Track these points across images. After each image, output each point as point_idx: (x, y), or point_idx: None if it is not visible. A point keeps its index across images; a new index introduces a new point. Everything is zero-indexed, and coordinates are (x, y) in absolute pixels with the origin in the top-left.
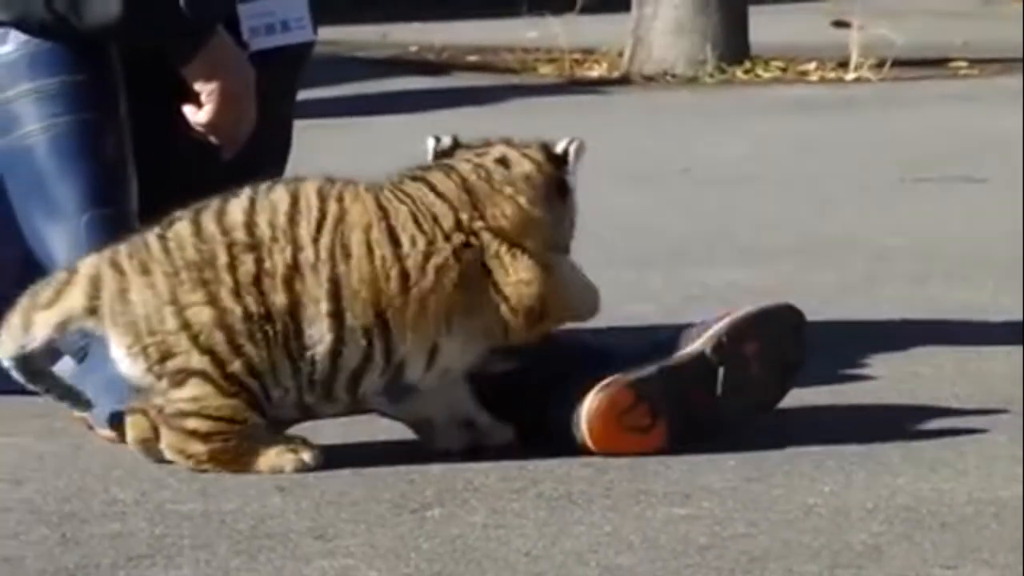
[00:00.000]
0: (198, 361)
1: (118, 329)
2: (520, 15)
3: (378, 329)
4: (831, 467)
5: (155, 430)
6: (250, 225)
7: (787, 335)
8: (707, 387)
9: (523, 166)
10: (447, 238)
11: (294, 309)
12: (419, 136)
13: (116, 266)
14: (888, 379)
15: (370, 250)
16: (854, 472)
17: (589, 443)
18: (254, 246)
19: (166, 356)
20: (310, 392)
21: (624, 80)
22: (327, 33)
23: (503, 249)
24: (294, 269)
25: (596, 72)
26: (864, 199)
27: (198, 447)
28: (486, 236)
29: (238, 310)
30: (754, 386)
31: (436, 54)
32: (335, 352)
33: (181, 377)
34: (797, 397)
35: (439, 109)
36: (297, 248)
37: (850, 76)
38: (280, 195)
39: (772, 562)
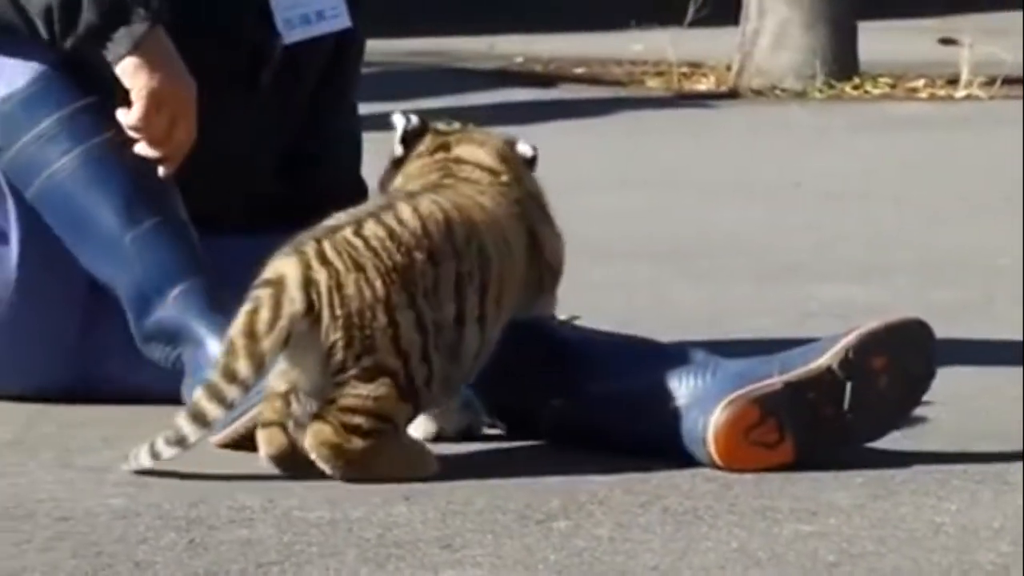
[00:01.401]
0: (393, 362)
1: (333, 324)
2: (627, 28)
3: (502, 324)
4: (957, 486)
5: (292, 444)
6: (427, 234)
7: (915, 349)
8: (834, 402)
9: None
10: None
11: (460, 317)
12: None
13: (327, 263)
14: (1011, 398)
15: (499, 252)
16: (980, 491)
17: (716, 459)
18: (432, 254)
19: (367, 352)
20: (446, 397)
21: (732, 94)
22: (432, 44)
23: (540, 213)
24: (460, 277)
25: (704, 86)
26: (975, 218)
27: (356, 443)
28: (529, 203)
29: (429, 316)
30: (881, 401)
31: (543, 66)
32: (478, 356)
33: (371, 374)
34: (921, 415)
35: (546, 121)
36: (459, 257)
37: (960, 94)
38: (432, 206)
39: None
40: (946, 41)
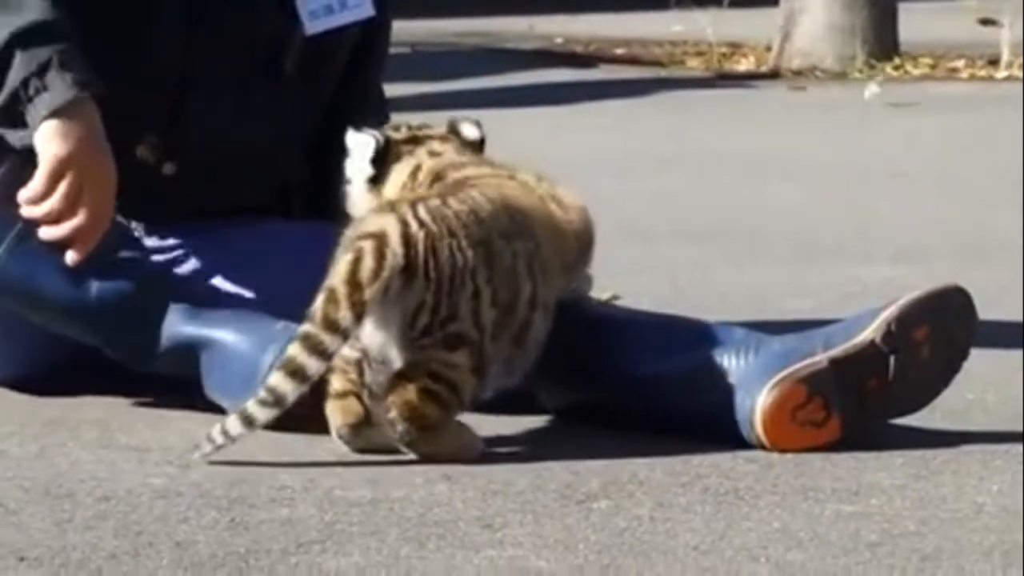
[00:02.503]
0: (473, 334)
1: (426, 284)
2: (667, 8)
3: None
4: (999, 466)
5: (367, 413)
6: (496, 215)
7: (955, 317)
8: (879, 376)
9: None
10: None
11: (532, 299)
12: (566, 129)
13: (423, 224)
14: None
15: (545, 232)
16: (1021, 472)
17: (764, 440)
18: (507, 235)
19: (451, 319)
20: (510, 380)
21: (772, 74)
22: (472, 25)
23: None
24: (531, 258)
25: (744, 66)
26: (1015, 198)
27: (432, 411)
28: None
29: (504, 294)
30: (924, 371)
31: (583, 46)
32: (541, 343)
33: (452, 342)
34: (961, 395)
35: (586, 101)
36: (527, 237)
37: (1001, 74)
38: (488, 192)
39: (944, 561)
40: (986, 21)
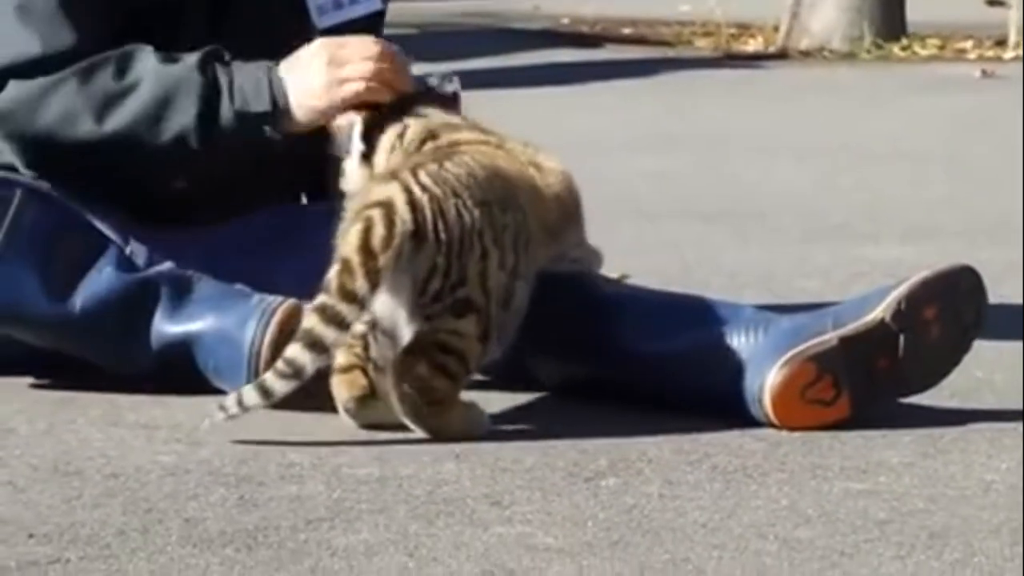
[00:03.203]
0: (480, 298)
1: (437, 247)
2: None
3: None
4: (1007, 445)
5: (373, 388)
6: (491, 180)
7: (964, 297)
8: (888, 355)
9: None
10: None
11: (515, 270)
12: (573, 109)
13: (426, 189)
14: None
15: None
16: None
17: (773, 418)
18: (502, 205)
19: (460, 283)
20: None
21: (780, 55)
22: (479, 5)
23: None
24: (519, 227)
25: (752, 46)
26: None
27: (440, 384)
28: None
29: (510, 260)
30: (933, 350)
31: (589, 26)
32: (521, 312)
33: (460, 308)
34: (970, 374)
35: (593, 82)
36: (515, 209)
37: (1008, 55)
38: (479, 159)
39: (953, 538)
40: (994, 2)
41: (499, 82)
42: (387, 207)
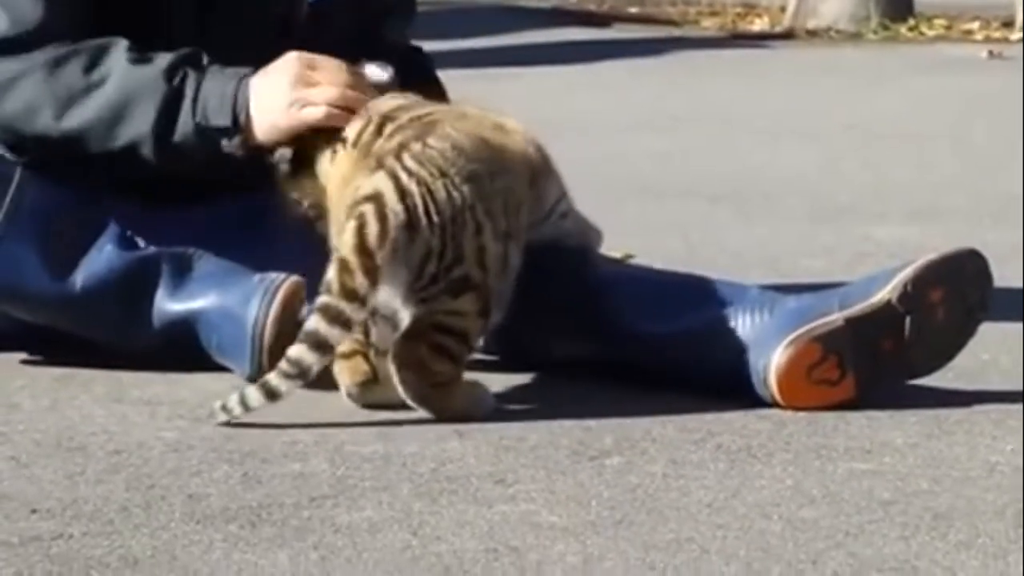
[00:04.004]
0: (478, 275)
1: (430, 230)
2: None
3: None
4: (1012, 426)
5: (375, 373)
6: (478, 150)
7: (971, 280)
8: (894, 336)
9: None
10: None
11: (507, 233)
12: (580, 87)
13: (412, 173)
14: None
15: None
16: None
17: (778, 398)
18: (491, 172)
19: (456, 262)
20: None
21: (787, 35)
22: None
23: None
24: (509, 193)
25: (758, 26)
26: None
27: (442, 366)
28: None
29: (502, 225)
30: (939, 333)
31: (597, 5)
32: (515, 272)
33: (458, 287)
34: (976, 356)
35: (600, 60)
36: (504, 172)
37: (1015, 36)
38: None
39: (957, 519)
40: None
41: (507, 60)
42: (377, 200)
